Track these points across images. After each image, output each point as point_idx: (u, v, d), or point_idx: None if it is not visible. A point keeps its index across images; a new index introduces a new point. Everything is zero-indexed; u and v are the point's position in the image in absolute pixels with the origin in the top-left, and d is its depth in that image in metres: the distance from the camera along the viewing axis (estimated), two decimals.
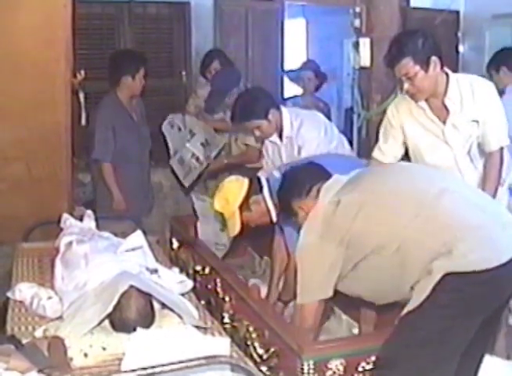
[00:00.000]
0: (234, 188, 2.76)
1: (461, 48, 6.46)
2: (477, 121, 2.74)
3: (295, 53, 7.39)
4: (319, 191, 2.30)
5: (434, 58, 2.67)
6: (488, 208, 2.12)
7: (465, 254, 1.95)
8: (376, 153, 3.00)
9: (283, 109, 3.32)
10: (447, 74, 2.76)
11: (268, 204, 2.75)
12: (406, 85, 2.71)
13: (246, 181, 2.79)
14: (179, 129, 4.25)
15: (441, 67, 2.72)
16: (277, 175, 2.79)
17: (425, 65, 2.65)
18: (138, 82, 3.91)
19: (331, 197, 2.24)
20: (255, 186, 2.77)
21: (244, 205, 2.73)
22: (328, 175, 2.36)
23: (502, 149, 2.81)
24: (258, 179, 2.81)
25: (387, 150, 2.95)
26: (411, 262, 2.03)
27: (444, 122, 2.79)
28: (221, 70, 4.30)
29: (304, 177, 2.40)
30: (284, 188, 2.45)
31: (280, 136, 3.25)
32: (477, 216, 2.05)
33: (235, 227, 2.74)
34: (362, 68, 4.61)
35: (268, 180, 2.80)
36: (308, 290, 2.26)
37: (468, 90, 2.74)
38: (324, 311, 2.34)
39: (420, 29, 2.92)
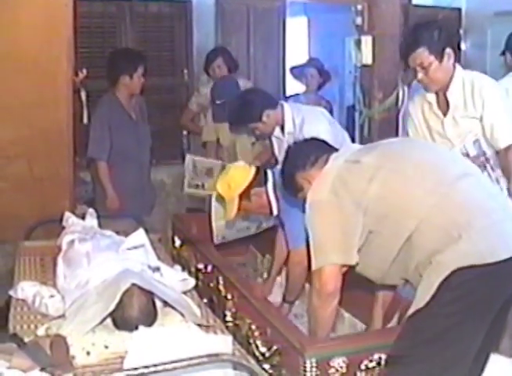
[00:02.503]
0: (238, 176, 2.73)
1: (463, 46, 6.45)
2: (476, 118, 2.73)
3: (297, 51, 7.38)
4: (327, 160, 2.23)
5: (448, 50, 2.70)
6: (500, 200, 2.10)
7: (474, 243, 1.91)
8: None
9: (285, 105, 3.38)
10: (454, 68, 2.77)
11: (270, 197, 2.74)
12: (420, 75, 2.72)
13: (252, 171, 2.75)
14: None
15: (455, 61, 2.74)
16: None
17: (439, 56, 2.68)
18: (137, 81, 3.87)
19: (347, 157, 2.16)
20: (260, 178, 2.75)
21: (245, 194, 2.70)
22: (333, 149, 2.31)
23: None
24: (265, 172, 2.79)
25: None
26: (420, 239, 1.98)
27: (445, 115, 2.81)
28: (217, 83, 4.24)
29: (308, 148, 2.35)
30: (287, 161, 2.38)
31: (283, 131, 3.29)
32: (491, 205, 2.02)
33: (231, 213, 2.72)
34: (364, 66, 4.62)
35: (273, 174, 2.79)
36: (324, 250, 2.12)
37: (469, 87, 2.74)
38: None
39: (436, 20, 2.91)
